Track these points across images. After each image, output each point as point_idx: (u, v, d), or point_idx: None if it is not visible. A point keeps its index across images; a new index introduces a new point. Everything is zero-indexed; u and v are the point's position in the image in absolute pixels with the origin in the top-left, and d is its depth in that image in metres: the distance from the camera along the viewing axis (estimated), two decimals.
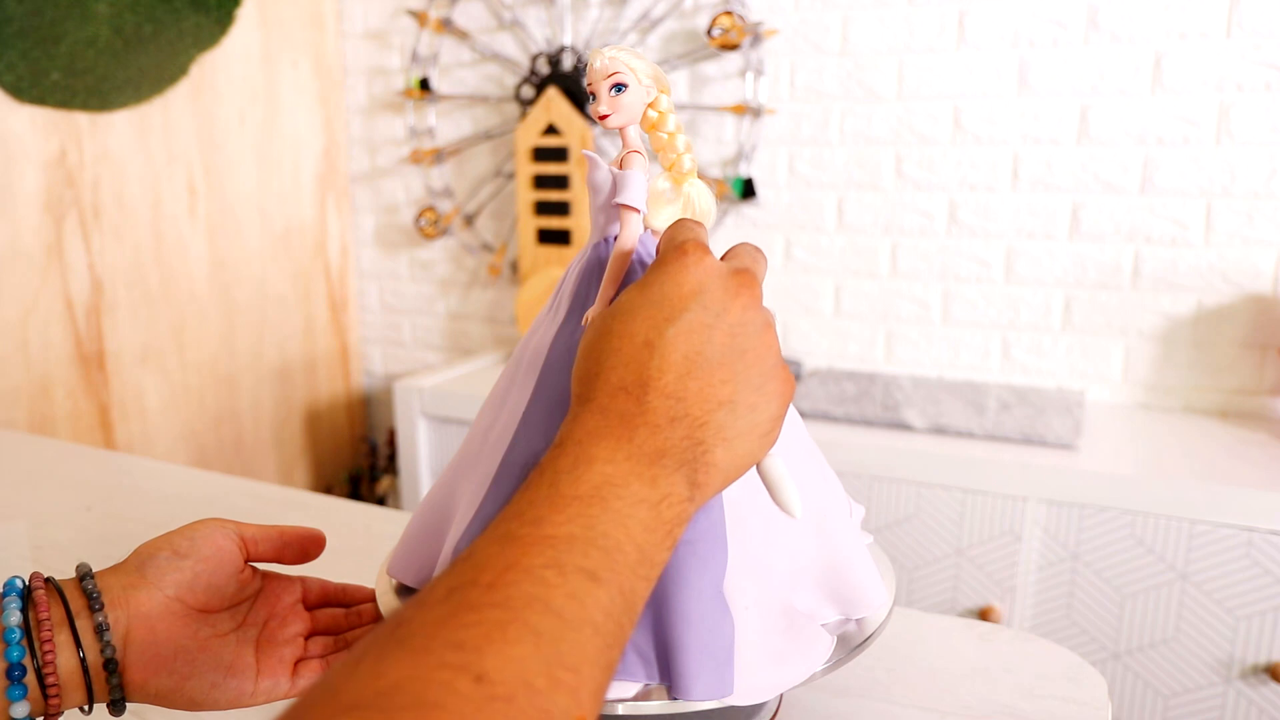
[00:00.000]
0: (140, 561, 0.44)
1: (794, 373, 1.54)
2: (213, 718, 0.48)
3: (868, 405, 1.36)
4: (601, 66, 0.44)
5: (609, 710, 0.41)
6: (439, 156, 1.83)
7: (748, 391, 0.38)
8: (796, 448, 0.49)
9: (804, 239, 1.59)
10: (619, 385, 0.37)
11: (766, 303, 0.41)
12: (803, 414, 1.34)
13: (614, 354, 0.37)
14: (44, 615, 0.41)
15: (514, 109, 1.76)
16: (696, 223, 0.42)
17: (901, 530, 1.24)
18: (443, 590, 0.30)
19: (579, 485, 0.34)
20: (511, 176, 1.79)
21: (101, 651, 0.41)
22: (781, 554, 0.45)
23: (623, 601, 0.32)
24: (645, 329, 0.38)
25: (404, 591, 0.49)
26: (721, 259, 0.41)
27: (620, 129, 0.46)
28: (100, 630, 0.41)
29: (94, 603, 0.42)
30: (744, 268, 0.40)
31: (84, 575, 0.43)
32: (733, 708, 0.48)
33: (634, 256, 0.45)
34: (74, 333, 1.47)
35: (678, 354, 0.37)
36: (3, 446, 1.12)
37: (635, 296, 0.39)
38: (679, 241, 0.40)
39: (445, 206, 1.86)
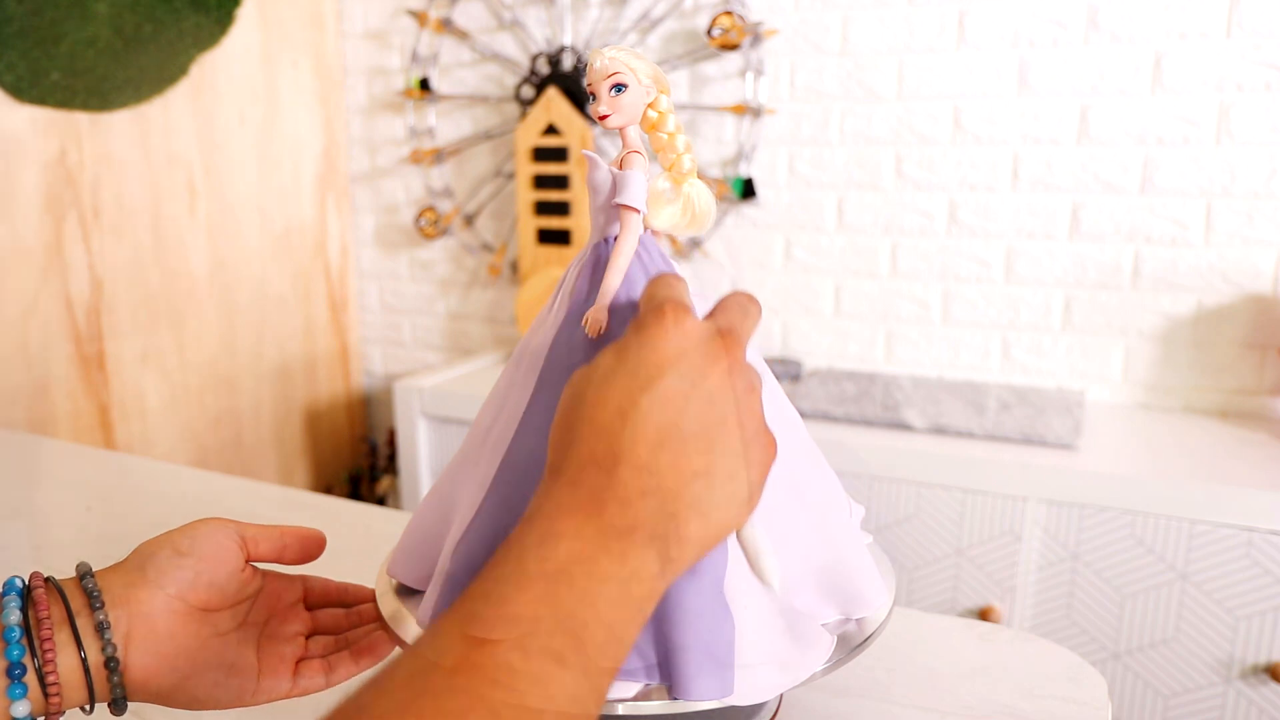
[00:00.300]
0: (141, 561, 0.44)
1: (794, 373, 1.54)
2: (213, 716, 0.48)
3: (868, 405, 1.36)
4: (601, 67, 0.44)
5: (609, 710, 0.41)
6: (439, 156, 1.83)
7: (727, 460, 0.36)
8: (796, 447, 0.49)
9: (804, 239, 1.59)
10: (589, 458, 0.35)
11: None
12: (803, 414, 1.34)
13: (586, 423, 0.36)
14: (44, 614, 0.41)
15: (514, 109, 1.76)
16: (677, 278, 0.41)
17: (901, 530, 1.24)
18: (404, 674, 0.29)
19: (545, 563, 0.33)
20: (511, 176, 1.79)
21: (102, 650, 0.41)
22: (781, 554, 0.45)
23: (589, 685, 0.31)
24: (619, 398, 0.36)
25: (403, 591, 0.49)
26: (711, 312, 0.40)
27: (620, 129, 0.46)
28: (101, 629, 0.41)
29: (94, 601, 0.42)
30: (728, 328, 0.38)
31: (84, 574, 0.43)
32: (733, 708, 0.48)
33: (633, 259, 0.46)
34: (74, 333, 1.47)
35: (651, 425, 0.35)
36: (3, 446, 1.12)
37: (611, 361, 0.37)
38: (658, 302, 0.38)
39: (445, 206, 1.86)
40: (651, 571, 0.34)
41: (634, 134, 0.46)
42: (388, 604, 0.49)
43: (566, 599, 0.32)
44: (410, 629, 0.46)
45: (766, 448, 0.38)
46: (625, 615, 0.33)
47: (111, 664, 0.41)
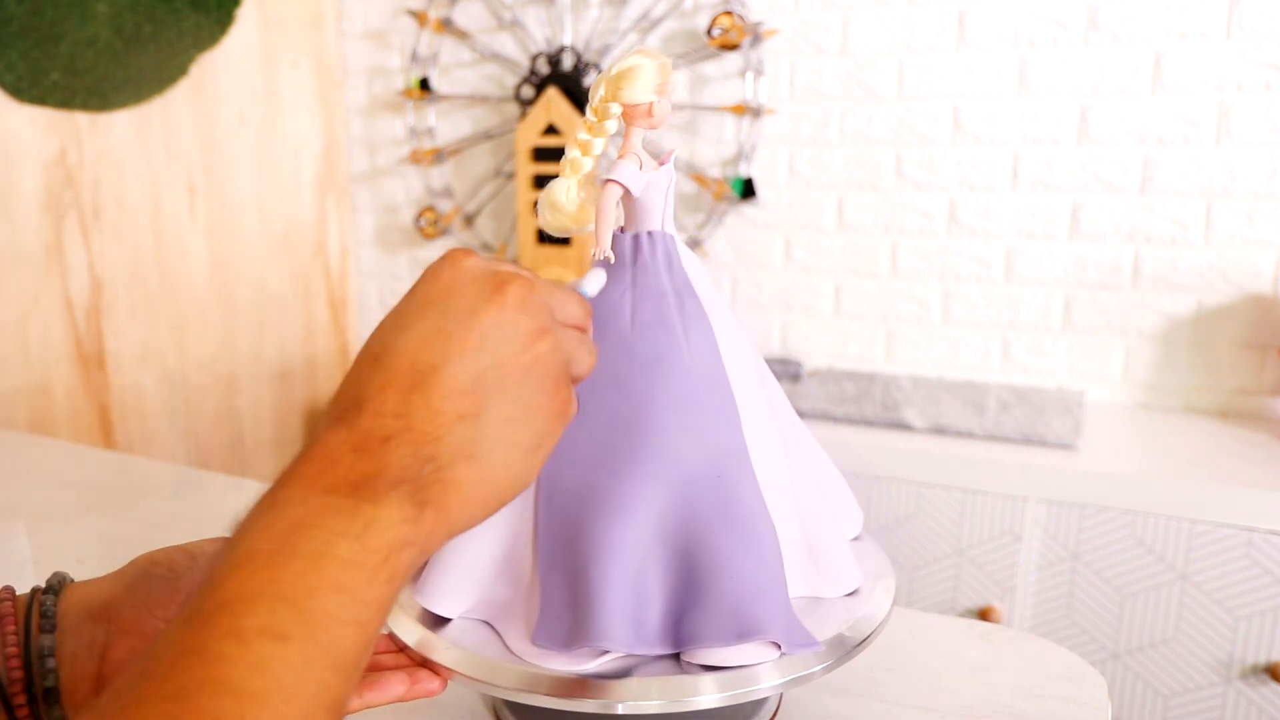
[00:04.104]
0: (133, 578, 0.43)
1: (794, 373, 1.54)
2: None
3: (868, 405, 1.36)
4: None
5: (608, 710, 0.41)
6: (439, 156, 1.83)
7: (502, 403, 0.34)
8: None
9: (804, 239, 1.59)
10: (336, 413, 0.33)
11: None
12: (802, 414, 1.34)
13: (346, 377, 0.35)
14: (9, 630, 0.39)
15: (514, 109, 1.76)
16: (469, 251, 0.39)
17: (901, 530, 1.24)
18: (120, 685, 0.27)
19: (264, 535, 0.30)
20: (511, 176, 1.79)
21: (43, 679, 0.39)
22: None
23: (321, 654, 0.28)
24: (375, 343, 0.35)
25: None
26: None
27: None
28: (43, 656, 0.39)
29: (45, 624, 0.40)
30: (514, 272, 0.36)
31: (49, 588, 0.41)
32: (732, 707, 0.48)
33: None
34: (74, 333, 1.47)
35: (402, 366, 0.33)
36: (3, 446, 1.12)
37: (391, 309, 0.36)
38: (445, 253, 0.37)
39: (445, 206, 1.86)
40: (396, 518, 0.31)
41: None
42: (410, 632, 0.46)
43: (287, 570, 0.29)
44: (443, 655, 0.44)
45: (555, 395, 0.36)
46: (364, 573, 0.30)
47: (50, 696, 0.39)
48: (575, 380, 0.39)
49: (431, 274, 0.36)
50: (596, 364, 0.46)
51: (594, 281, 0.46)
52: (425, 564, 0.49)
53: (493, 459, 0.34)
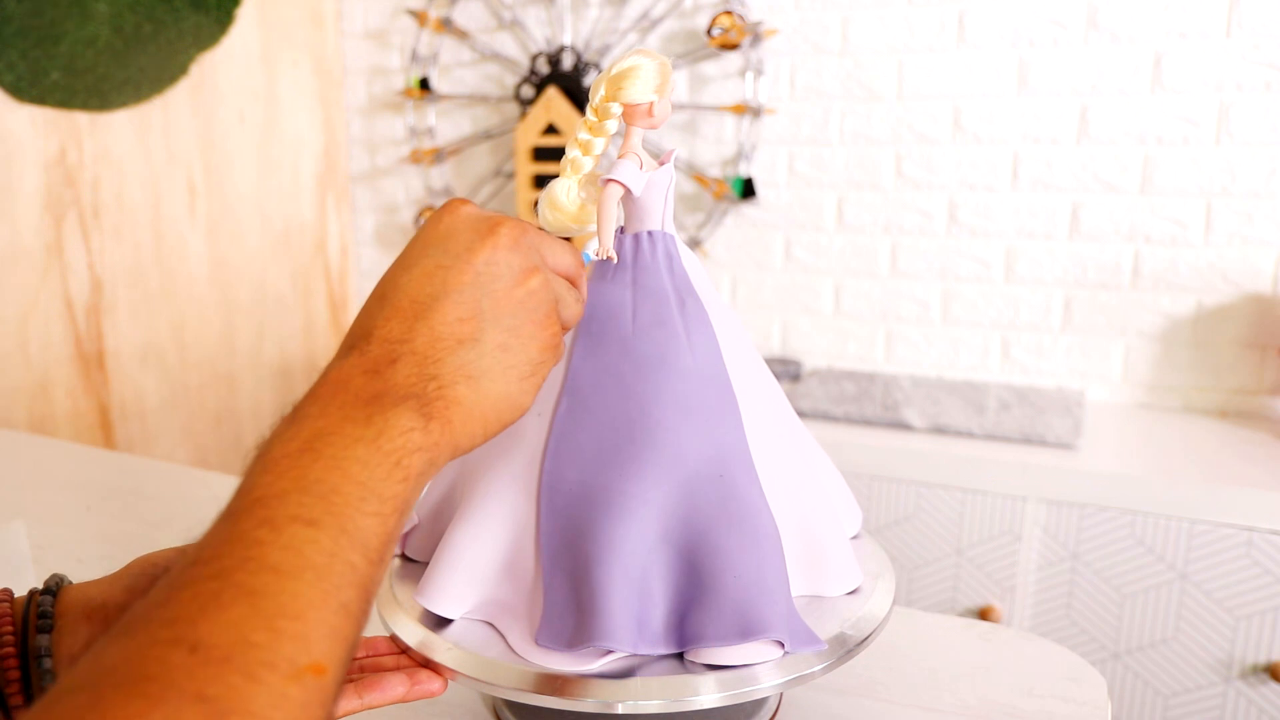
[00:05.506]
0: (129, 579, 0.43)
1: (794, 373, 1.54)
2: None
3: (868, 405, 1.36)
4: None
5: (608, 709, 0.41)
6: (439, 156, 1.83)
7: (496, 331, 0.38)
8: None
9: (804, 239, 1.59)
10: (349, 344, 0.37)
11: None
12: (802, 414, 1.34)
13: (357, 315, 0.38)
14: (6, 631, 0.40)
15: (514, 109, 1.76)
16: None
17: (901, 530, 1.24)
18: (164, 582, 0.29)
19: (289, 444, 0.33)
20: (511, 176, 1.79)
21: (41, 680, 0.39)
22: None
23: (348, 540, 0.31)
24: (383, 283, 0.39)
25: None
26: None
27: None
28: (39, 656, 0.39)
29: (42, 624, 0.40)
30: (507, 217, 0.40)
31: (46, 589, 0.42)
32: (732, 707, 0.48)
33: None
34: (74, 332, 1.47)
35: (406, 299, 0.37)
36: (3, 446, 1.12)
37: (396, 256, 0.40)
38: (445, 202, 0.41)
39: None
40: (405, 426, 0.35)
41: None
42: (411, 633, 0.46)
43: (312, 469, 0.32)
44: (445, 656, 0.44)
45: (544, 325, 0.40)
46: (380, 472, 0.33)
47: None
48: (564, 326, 0.42)
49: (432, 220, 0.40)
50: (597, 362, 0.46)
51: (593, 246, 0.48)
52: (426, 569, 0.49)
53: (490, 380, 0.38)
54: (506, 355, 0.38)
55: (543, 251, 0.41)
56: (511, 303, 0.38)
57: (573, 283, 0.44)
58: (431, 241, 0.39)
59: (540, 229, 0.42)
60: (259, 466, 0.33)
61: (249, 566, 0.29)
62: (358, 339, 0.37)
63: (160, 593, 0.29)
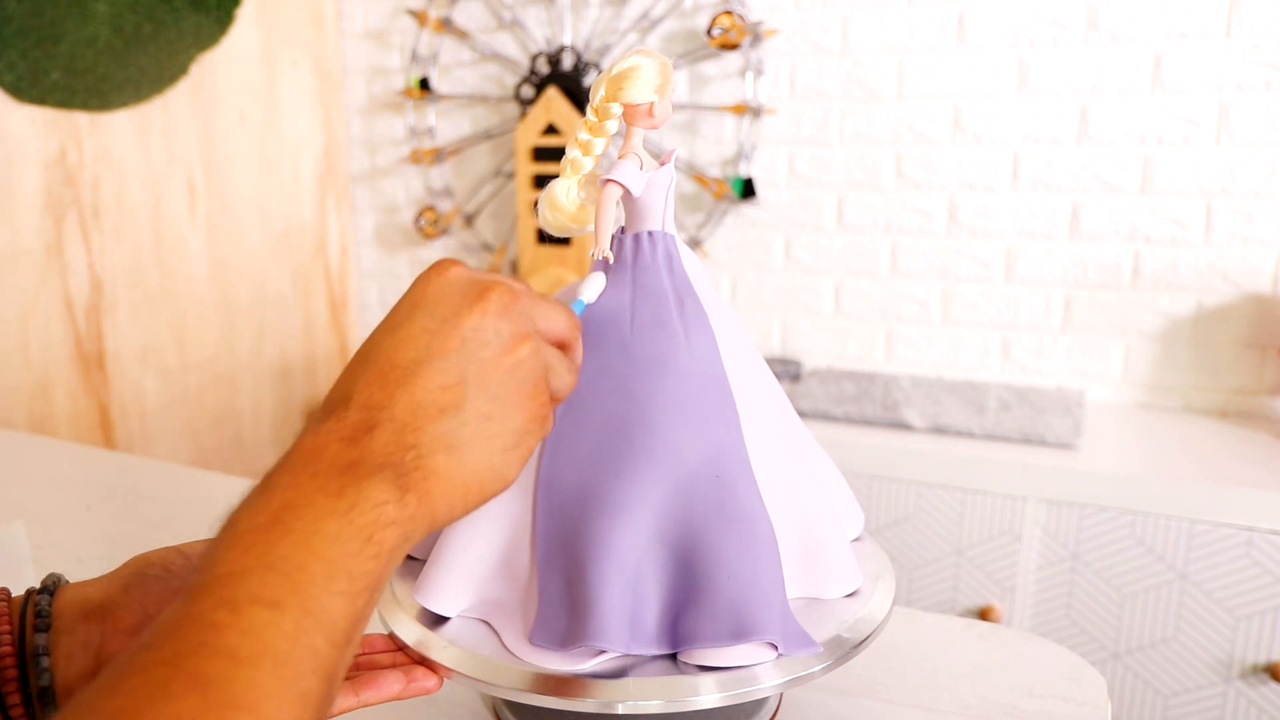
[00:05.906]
0: (127, 579, 0.43)
1: (794, 373, 1.54)
2: None
3: (868, 405, 1.36)
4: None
5: (608, 710, 0.41)
6: (439, 156, 1.83)
7: (481, 400, 0.36)
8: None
9: (804, 239, 1.59)
10: (329, 408, 0.36)
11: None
12: (802, 414, 1.34)
13: (338, 378, 0.37)
14: (4, 631, 0.39)
15: (514, 109, 1.76)
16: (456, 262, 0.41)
17: (901, 530, 1.24)
18: (113, 666, 0.28)
19: (256, 516, 0.31)
20: (511, 176, 1.79)
21: (38, 679, 0.39)
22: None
23: (312, 622, 0.29)
24: (367, 344, 0.37)
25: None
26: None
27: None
28: (37, 656, 0.39)
29: (40, 624, 0.40)
30: (498, 280, 0.38)
31: (43, 589, 0.42)
32: (732, 707, 0.48)
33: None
34: (74, 332, 1.47)
35: (388, 363, 0.36)
36: (3, 446, 1.12)
37: (382, 319, 0.38)
38: (434, 262, 0.39)
39: (445, 206, 1.86)
40: (379, 498, 0.33)
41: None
42: (409, 631, 0.46)
43: (279, 545, 0.30)
44: (441, 654, 0.44)
45: (534, 396, 0.38)
46: (351, 547, 0.32)
47: (45, 696, 0.39)
48: (554, 398, 0.41)
49: (420, 282, 0.38)
50: (595, 363, 0.46)
51: (593, 287, 0.46)
52: (424, 567, 0.49)
53: (472, 451, 0.36)
54: (490, 425, 0.37)
55: (535, 317, 0.40)
56: (499, 371, 0.37)
57: (568, 347, 0.42)
58: (419, 303, 0.37)
59: (535, 292, 0.40)
60: (225, 540, 0.31)
61: (203, 652, 0.27)
62: (336, 403, 0.36)
63: (107, 680, 0.27)
